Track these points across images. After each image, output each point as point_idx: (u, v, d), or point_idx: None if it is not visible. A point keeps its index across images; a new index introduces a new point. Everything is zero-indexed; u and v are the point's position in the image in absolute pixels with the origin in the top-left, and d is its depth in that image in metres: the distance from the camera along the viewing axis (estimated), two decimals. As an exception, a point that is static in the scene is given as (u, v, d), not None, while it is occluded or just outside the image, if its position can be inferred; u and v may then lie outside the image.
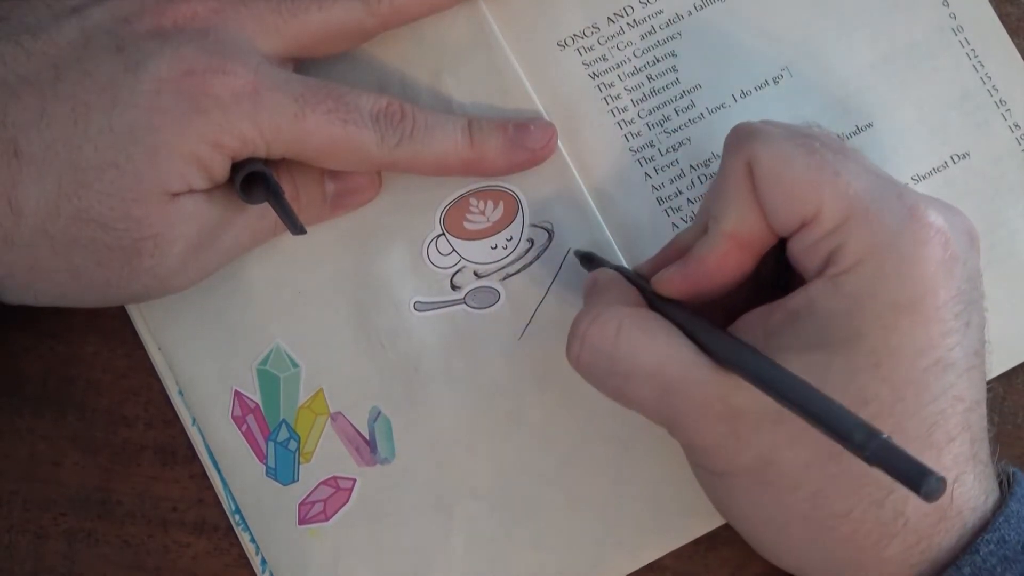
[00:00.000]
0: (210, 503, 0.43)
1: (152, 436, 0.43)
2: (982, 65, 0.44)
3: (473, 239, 0.43)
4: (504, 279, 0.43)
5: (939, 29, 0.44)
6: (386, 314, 0.43)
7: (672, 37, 0.44)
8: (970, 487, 0.35)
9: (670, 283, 0.37)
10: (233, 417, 0.42)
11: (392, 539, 0.42)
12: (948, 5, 0.44)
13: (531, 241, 0.43)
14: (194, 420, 0.42)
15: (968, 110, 0.44)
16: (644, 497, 0.42)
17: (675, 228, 0.43)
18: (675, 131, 0.44)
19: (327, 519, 0.42)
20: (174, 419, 0.43)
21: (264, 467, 0.42)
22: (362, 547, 0.42)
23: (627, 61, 0.44)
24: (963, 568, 0.34)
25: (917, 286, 0.34)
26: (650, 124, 0.44)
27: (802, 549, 0.36)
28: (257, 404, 0.42)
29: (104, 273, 0.37)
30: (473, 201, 0.43)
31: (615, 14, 0.44)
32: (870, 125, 0.44)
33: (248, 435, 0.42)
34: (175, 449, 0.43)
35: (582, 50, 0.44)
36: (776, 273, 0.39)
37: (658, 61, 0.44)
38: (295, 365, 0.42)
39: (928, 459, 0.34)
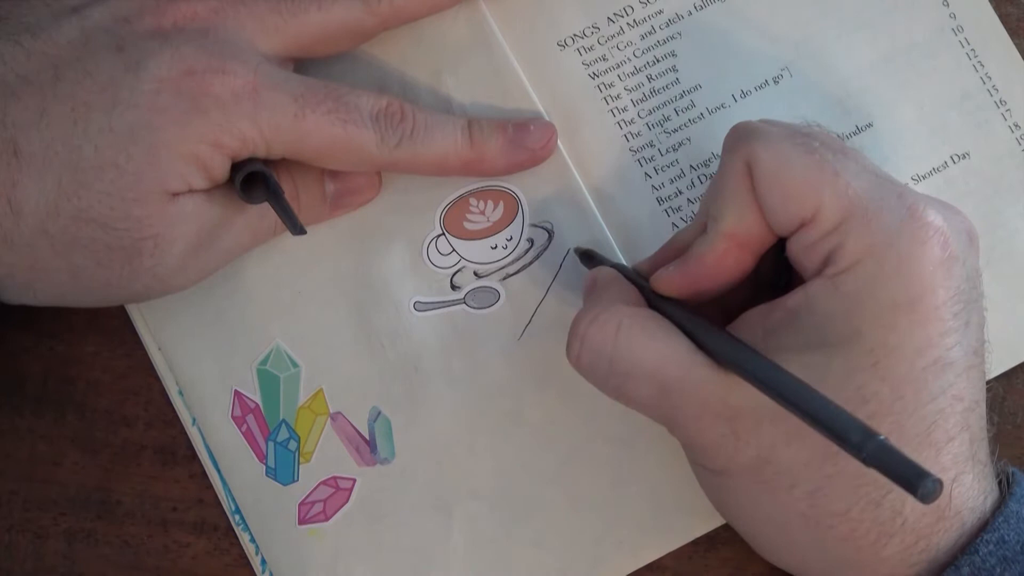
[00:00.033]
0: (210, 503, 0.43)
1: (152, 436, 0.43)
2: (982, 65, 0.44)
3: (473, 239, 0.43)
4: (504, 279, 0.43)
5: (939, 29, 0.44)
6: (386, 314, 0.43)
7: (672, 37, 0.44)
8: (969, 487, 0.35)
9: (669, 282, 0.37)
10: (233, 417, 0.42)
11: (392, 539, 0.42)
12: (948, 5, 0.44)
13: (531, 241, 0.43)
14: (194, 420, 0.42)
15: (968, 110, 0.44)
16: (644, 497, 0.42)
17: (675, 228, 0.43)
18: (675, 131, 0.44)
19: (327, 519, 0.42)
20: (174, 419, 0.43)
21: (264, 467, 0.42)
22: (362, 547, 0.42)
23: (627, 61, 0.44)
24: (962, 568, 0.34)
25: (916, 285, 0.34)
26: (650, 124, 0.44)
27: (800, 548, 0.36)
28: (257, 404, 0.42)
29: (104, 273, 0.37)
30: (473, 201, 0.43)
31: (615, 14, 0.44)
32: (870, 125, 0.44)
33: (248, 435, 0.42)
34: (175, 449, 0.43)
35: (582, 50, 0.44)
36: (775, 272, 0.39)
37: (658, 61, 0.44)
38: (295, 365, 0.42)
39: (927, 458, 0.34)
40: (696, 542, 0.42)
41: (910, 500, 0.34)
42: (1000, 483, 0.37)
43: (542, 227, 0.43)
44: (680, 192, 0.44)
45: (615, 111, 0.44)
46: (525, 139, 0.42)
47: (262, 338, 0.43)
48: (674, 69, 0.44)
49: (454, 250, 0.43)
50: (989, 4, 0.45)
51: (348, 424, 0.42)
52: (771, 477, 0.35)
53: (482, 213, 0.43)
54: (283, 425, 0.42)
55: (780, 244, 0.37)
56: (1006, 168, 0.44)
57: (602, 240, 0.43)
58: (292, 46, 0.40)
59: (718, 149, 0.39)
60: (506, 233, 0.43)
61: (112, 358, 0.43)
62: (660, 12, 0.44)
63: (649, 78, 0.44)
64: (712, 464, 0.36)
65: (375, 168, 0.41)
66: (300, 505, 0.42)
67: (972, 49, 0.44)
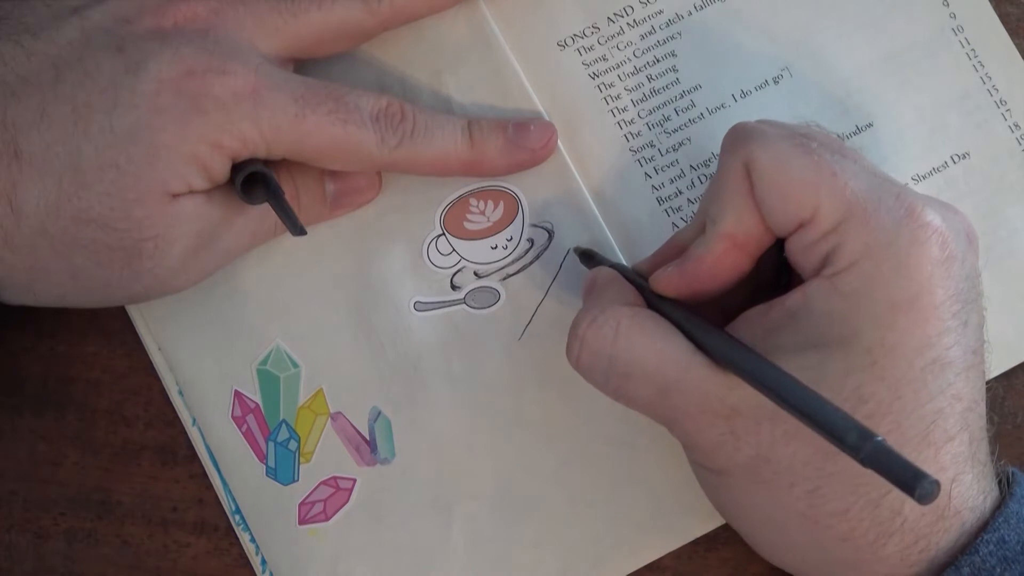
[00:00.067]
0: (210, 503, 0.43)
1: (152, 436, 0.43)
2: (982, 65, 0.44)
3: (473, 239, 0.43)
4: (504, 279, 0.43)
5: (939, 29, 0.44)
6: (386, 314, 0.43)
7: (672, 37, 0.44)
8: (968, 487, 0.35)
9: (668, 282, 0.37)
10: (233, 417, 0.42)
11: (392, 539, 0.42)
12: (948, 5, 0.44)
13: (531, 241, 0.43)
14: (194, 420, 0.42)
15: (968, 110, 0.44)
16: (644, 497, 0.42)
17: (675, 228, 0.43)
18: (675, 131, 0.44)
19: (327, 519, 0.42)
20: (174, 419, 0.43)
21: (264, 467, 0.42)
22: (362, 547, 0.42)
23: (627, 61, 0.44)
24: (962, 568, 0.34)
25: (914, 285, 0.34)
26: (650, 124, 0.44)
27: (800, 548, 0.36)
28: (257, 404, 0.42)
29: (104, 274, 0.37)
30: (473, 201, 0.43)
31: (615, 14, 0.44)
32: (870, 125, 0.44)
33: (248, 435, 0.42)
34: (175, 449, 0.43)
35: (582, 50, 0.44)
36: (775, 272, 0.39)
37: (658, 61, 0.44)
38: (295, 365, 0.42)
39: (926, 458, 0.34)
40: (696, 542, 0.42)
41: (909, 500, 0.34)
42: (1000, 483, 0.37)
43: (542, 227, 0.43)
44: (680, 192, 0.44)
45: (615, 111, 0.44)
46: (525, 139, 0.42)
47: (262, 338, 0.43)
48: (674, 69, 0.44)
49: (454, 250, 0.43)
50: (989, 4, 0.45)
51: (348, 424, 0.42)
52: (770, 476, 0.35)
53: (482, 213, 0.43)
54: (283, 425, 0.42)
55: (779, 244, 0.37)
56: (1006, 168, 0.44)
57: (602, 240, 0.43)
58: (292, 46, 0.40)
59: (718, 149, 0.39)
60: (506, 233, 0.43)
61: (112, 358, 0.43)
62: (660, 12, 0.44)
63: (649, 78, 0.44)
64: (711, 464, 0.36)
65: (375, 168, 0.41)
66: (300, 505, 0.42)
67: (972, 49, 0.44)
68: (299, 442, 0.42)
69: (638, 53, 0.44)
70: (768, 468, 0.35)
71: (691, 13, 0.44)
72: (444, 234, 0.43)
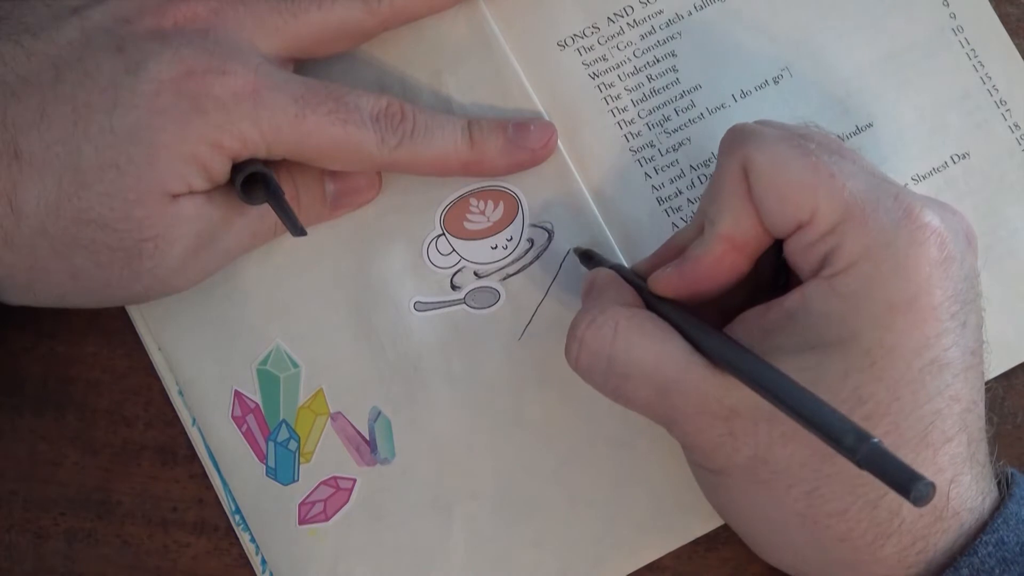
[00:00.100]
0: (210, 503, 0.43)
1: (152, 436, 0.43)
2: (982, 65, 0.44)
3: (473, 239, 0.43)
4: (504, 279, 0.43)
5: (939, 29, 0.44)
6: (386, 314, 0.43)
7: (672, 37, 0.44)
8: (967, 488, 0.35)
9: (666, 283, 0.37)
10: (233, 417, 0.42)
11: (392, 539, 0.42)
12: (948, 5, 0.44)
13: (531, 241, 0.43)
14: (194, 420, 0.42)
15: (968, 110, 0.44)
16: (644, 497, 0.42)
17: (675, 228, 0.43)
18: (675, 131, 0.44)
19: (327, 519, 0.42)
20: (174, 419, 0.43)
21: (264, 467, 0.42)
22: (362, 547, 0.42)
23: (627, 61, 0.44)
24: (961, 570, 0.34)
25: (912, 286, 0.34)
26: (650, 124, 0.44)
27: (798, 548, 0.36)
28: (257, 404, 0.42)
29: (104, 274, 0.37)
30: (473, 201, 0.43)
31: (615, 14, 0.44)
32: (870, 125, 0.44)
33: (248, 435, 0.42)
34: (175, 449, 0.43)
35: (582, 50, 0.44)
36: (774, 273, 0.39)
37: (658, 61, 0.44)
38: (295, 365, 0.42)
39: (924, 459, 0.34)
40: (696, 542, 0.42)
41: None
42: (999, 484, 0.37)
43: (542, 227, 0.43)
44: (680, 192, 0.44)
45: (615, 111, 0.44)
46: (525, 139, 0.42)
47: (262, 338, 0.43)
48: (674, 69, 0.44)
49: (454, 250, 0.43)
50: (989, 4, 0.45)
51: (348, 424, 0.42)
52: (768, 477, 0.35)
53: (482, 213, 0.43)
54: (283, 425, 0.42)
55: (778, 245, 0.37)
56: (1006, 168, 0.44)
57: (602, 240, 0.43)
58: (292, 46, 0.40)
59: (718, 149, 0.39)
60: (506, 233, 0.43)
61: (112, 358, 0.43)
62: (660, 12, 0.44)
63: (649, 78, 0.44)
64: (710, 464, 0.36)
65: (375, 168, 0.41)
66: (300, 505, 0.42)
67: (972, 49, 0.44)
68: (299, 442, 0.42)
69: (638, 53, 0.44)
70: (766, 469, 0.35)
71: (691, 13, 0.44)
72: (444, 234, 0.43)
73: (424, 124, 0.40)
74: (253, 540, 0.42)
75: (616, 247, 0.43)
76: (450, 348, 0.42)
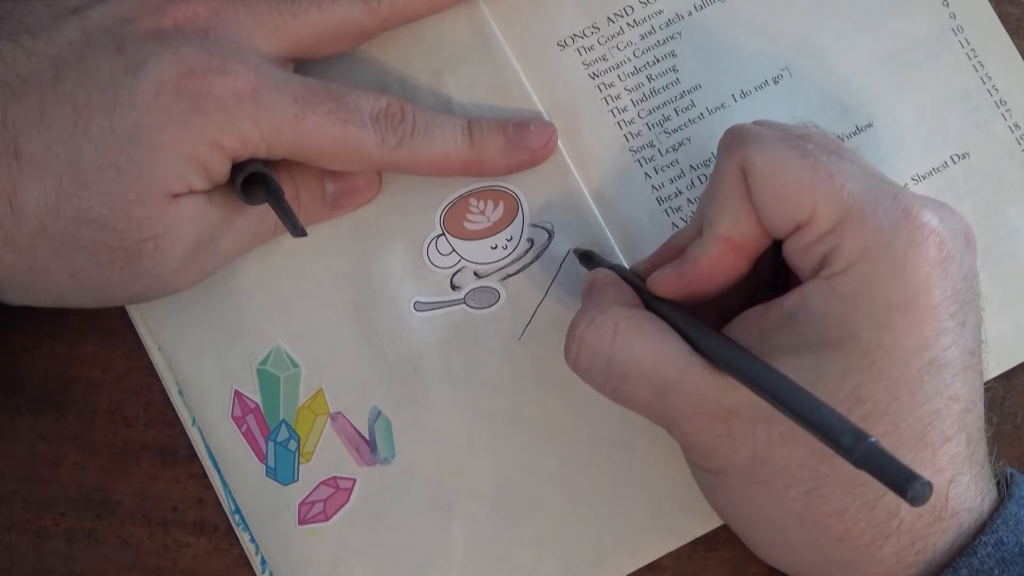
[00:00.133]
0: (210, 503, 0.43)
1: (152, 436, 0.43)
2: (982, 65, 0.44)
3: (473, 239, 0.43)
4: (504, 279, 0.43)
5: (939, 29, 0.44)
6: (386, 314, 0.43)
7: (672, 37, 0.44)
8: (966, 488, 0.35)
9: (666, 284, 0.37)
10: (233, 417, 0.42)
11: (392, 539, 0.42)
12: (948, 5, 0.44)
13: (531, 241, 0.43)
14: (194, 420, 0.42)
15: (968, 110, 0.44)
16: (644, 497, 0.42)
17: (675, 228, 0.43)
18: (675, 131, 0.44)
19: (327, 519, 0.42)
20: (174, 419, 0.43)
21: (264, 467, 0.42)
22: (362, 547, 0.42)
23: (627, 61, 0.44)
24: (960, 570, 0.34)
25: (911, 286, 0.34)
26: (650, 124, 0.44)
27: (797, 548, 0.36)
28: (257, 404, 0.42)
29: (104, 274, 0.37)
30: (473, 201, 0.43)
31: (615, 14, 0.44)
32: (870, 125, 0.44)
33: (248, 435, 0.42)
34: (175, 449, 0.43)
35: (582, 50, 0.44)
36: (773, 273, 0.39)
37: (658, 61, 0.44)
38: (295, 365, 0.42)
39: (923, 459, 0.34)
40: (696, 542, 0.42)
41: (906, 501, 0.34)
42: (998, 484, 0.37)
43: (542, 227, 0.43)
44: (680, 192, 0.44)
45: (615, 111, 0.44)
46: (525, 139, 0.42)
47: (262, 338, 0.43)
48: (674, 69, 0.44)
49: (454, 250, 0.43)
50: (989, 4, 0.45)
51: (348, 424, 0.42)
52: (767, 477, 0.35)
53: (482, 213, 0.43)
54: (283, 425, 0.42)
55: (777, 245, 0.37)
56: (1006, 168, 0.44)
57: (602, 240, 0.43)
58: (292, 46, 0.40)
59: (716, 150, 0.39)
60: (506, 233, 0.43)
61: (112, 358, 0.43)
62: (660, 12, 0.44)
63: (649, 78, 0.44)
64: (709, 465, 0.36)
65: (375, 168, 0.41)
66: (300, 505, 0.42)
67: (972, 49, 0.44)
68: (299, 442, 0.42)
69: (638, 53, 0.44)
70: (765, 469, 0.35)
71: (691, 13, 0.44)
72: (444, 234, 0.43)
73: (424, 124, 0.40)
74: (253, 540, 0.42)
75: (616, 247, 0.43)
76: (450, 348, 0.42)
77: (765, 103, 0.44)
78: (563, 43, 0.44)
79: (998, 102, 0.44)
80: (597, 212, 0.43)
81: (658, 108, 0.44)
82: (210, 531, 0.43)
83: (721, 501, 0.38)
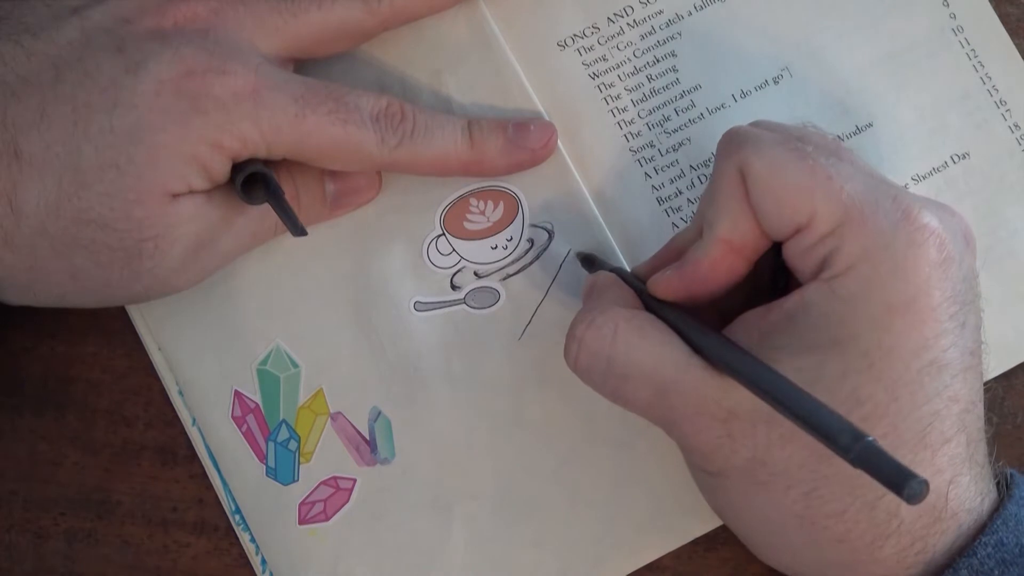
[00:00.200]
0: (210, 503, 0.43)
1: (152, 436, 0.43)
2: (982, 65, 0.44)
3: (473, 239, 0.43)
4: (504, 279, 0.43)
5: (939, 29, 0.44)
6: (386, 314, 0.43)
7: (672, 37, 0.44)
8: (966, 489, 0.35)
9: (666, 286, 0.37)
10: (233, 417, 0.42)
11: (392, 539, 0.42)
12: (948, 5, 0.44)
13: (531, 241, 0.43)
14: (194, 420, 0.42)
15: (968, 110, 0.44)
16: (644, 497, 0.42)
17: (675, 228, 0.43)
18: (675, 131, 0.44)
19: (327, 519, 0.42)
20: (174, 419, 0.43)
21: (264, 467, 0.42)
22: (362, 547, 0.42)
23: (627, 61, 0.44)
24: (960, 571, 0.34)
25: (911, 287, 0.34)
26: (650, 124, 0.44)
27: (796, 549, 0.36)
28: (257, 404, 0.42)
29: (104, 274, 0.37)
30: (473, 201, 0.43)
31: (615, 14, 0.44)
32: (870, 125, 0.44)
33: (248, 435, 0.42)
34: (175, 449, 0.43)
35: (582, 50, 0.44)
36: (772, 274, 0.39)
37: (658, 61, 0.44)
38: (295, 365, 0.42)
39: (922, 460, 0.34)
40: (696, 542, 0.42)
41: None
42: (998, 485, 0.37)
43: (542, 227, 0.43)
44: (680, 192, 0.44)
45: (615, 111, 0.44)
46: (525, 139, 0.42)
47: (262, 338, 0.43)
48: (674, 69, 0.44)
49: (454, 250, 0.43)
50: (989, 4, 0.45)
51: (348, 424, 0.42)
52: (767, 479, 0.35)
53: (482, 213, 0.43)
54: (283, 425, 0.42)
55: (777, 247, 0.37)
56: (1006, 168, 0.44)
57: (602, 240, 0.43)
58: (292, 46, 0.40)
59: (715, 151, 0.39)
60: (506, 233, 0.43)
61: (112, 358, 0.43)
62: (660, 12, 0.44)
63: (649, 78, 0.44)
64: (709, 466, 0.36)
65: (375, 168, 0.41)
66: (300, 505, 0.42)
67: (972, 49, 0.44)
68: (299, 442, 0.42)
69: (638, 53, 0.44)
70: (764, 471, 0.35)
71: (691, 13, 0.44)
72: (444, 234, 0.43)
73: (424, 124, 0.40)
74: (253, 540, 0.42)
75: (616, 247, 0.43)
76: (450, 348, 0.42)
77: (765, 103, 0.44)
78: (563, 43, 0.44)
79: (998, 102, 0.44)
80: (597, 212, 0.43)
81: (658, 108, 0.44)
82: (210, 531, 0.43)
83: (721, 502, 0.38)
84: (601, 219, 0.43)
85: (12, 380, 0.43)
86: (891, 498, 0.34)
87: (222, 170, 0.37)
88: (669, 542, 0.42)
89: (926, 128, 0.44)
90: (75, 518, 0.43)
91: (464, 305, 0.43)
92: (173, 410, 0.43)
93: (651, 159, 0.44)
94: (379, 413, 0.42)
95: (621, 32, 0.44)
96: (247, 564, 0.42)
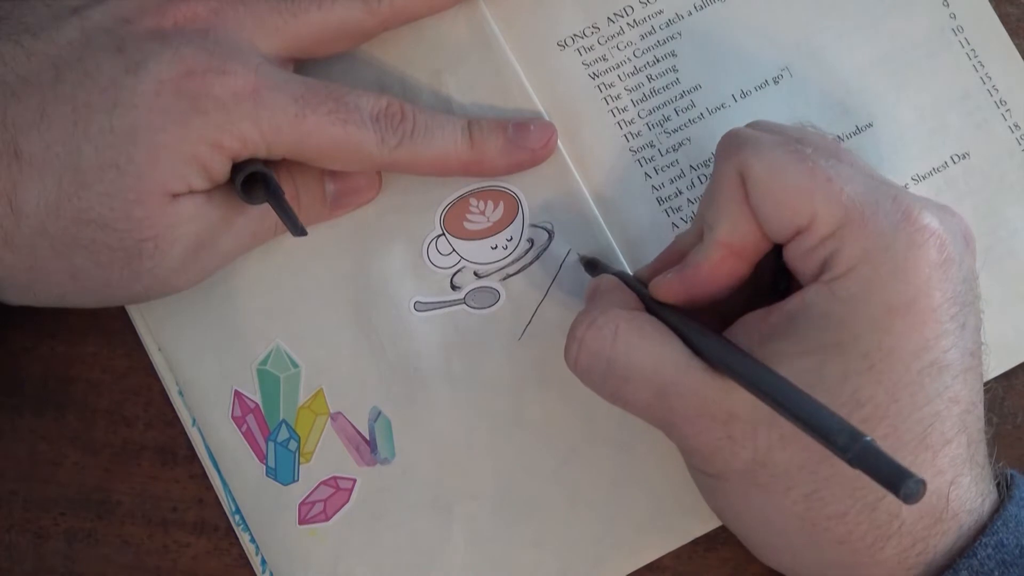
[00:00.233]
0: (210, 503, 0.43)
1: (152, 436, 0.43)
2: (982, 65, 0.44)
3: (473, 239, 0.43)
4: (504, 279, 0.43)
5: (939, 29, 0.44)
6: (386, 314, 0.43)
7: (672, 37, 0.44)
8: (967, 489, 0.35)
9: (667, 289, 0.37)
10: (233, 417, 0.42)
11: (392, 539, 0.42)
12: (948, 5, 0.44)
13: (531, 241, 0.43)
14: (194, 420, 0.42)
15: (968, 110, 0.44)
16: (644, 497, 0.42)
17: (675, 228, 0.43)
18: (675, 131, 0.44)
19: (327, 519, 0.42)
20: (174, 419, 0.43)
21: (264, 467, 0.42)
22: (362, 547, 0.42)
23: (627, 61, 0.44)
24: (960, 572, 0.34)
25: (911, 288, 0.34)
26: (650, 124, 0.44)
27: (797, 551, 0.36)
28: (257, 404, 0.42)
29: (104, 274, 0.37)
30: (473, 201, 0.43)
31: (615, 14, 0.44)
32: (870, 125, 0.44)
33: (248, 435, 0.42)
34: (175, 449, 0.43)
35: (582, 50, 0.44)
36: (773, 276, 0.39)
37: (658, 61, 0.44)
38: (295, 365, 0.42)
39: (923, 461, 0.34)
40: (696, 542, 0.42)
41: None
42: (999, 486, 0.37)
43: (542, 227, 0.43)
44: (680, 192, 0.44)
45: (615, 111, 0.44)
46: (525, 139, 0.42)
47: (262, 338, 0.43)
48: (674, 69, 0.44)
49: (454, 250, 0.43)
50: (989, 4, 0.45)
51: (348, 424, 0.42)
52: (767, 480, 0.35)
53: (482, 213, 0.43)
54: (283, 425, 0.42)
55: (778, 249, 0.37)
56: (1006, 168, 0.44)
57: (602, 240, 0.43)
58: (292, 46, 0.40)
59: (715, 153, 0.39)
60: (506, 233, 0.43)
61: (112, 358, 0.43)
62: (660, 12, 0.44)
63: (649, 78, 0.44)
64: (709, 468, 0.36)
65: (375, 168, 0.41)
66: (300, 505, 0.42)
67: (972, 49, 0.44)
68: (299, 442, 0.42)
69: (638, 53, 0.44)
70: (765, 472, 0.35)
71: (691, 13, 0.44)
72: (444, 234, 0.43)
73: (424, 124, 0.40)
74: (253, 540, 0.42)
75: (616, 247, 0.43)
76: (450, 348, 0.42)
77: (765, 103, 0.44)
78: (563, 43, 0.44)
79: (998, 102, 0.44)
80: (597, 212, 0.43)
81: (658, 108, 0.44)
82: (210, 531, 0.43)
83: (721, 504, 0.38)
84: (601, 219, 0.43)
85: (12, 380, 0.43)
86: (892, 499, 0.34)
87: (222, 170, 0.37)
88: (669, 542, 0.42)
89: (926, 128, 0.44)
90: (75, 518, 0.43)
91: (464, 305, 0.43)
92: (173, 410, 0.43)
93: (651, 159, 0.44)
94: (379, 413, 0.42)
95: (621, 32, 0.44)
96: (247, 564, 0.42)
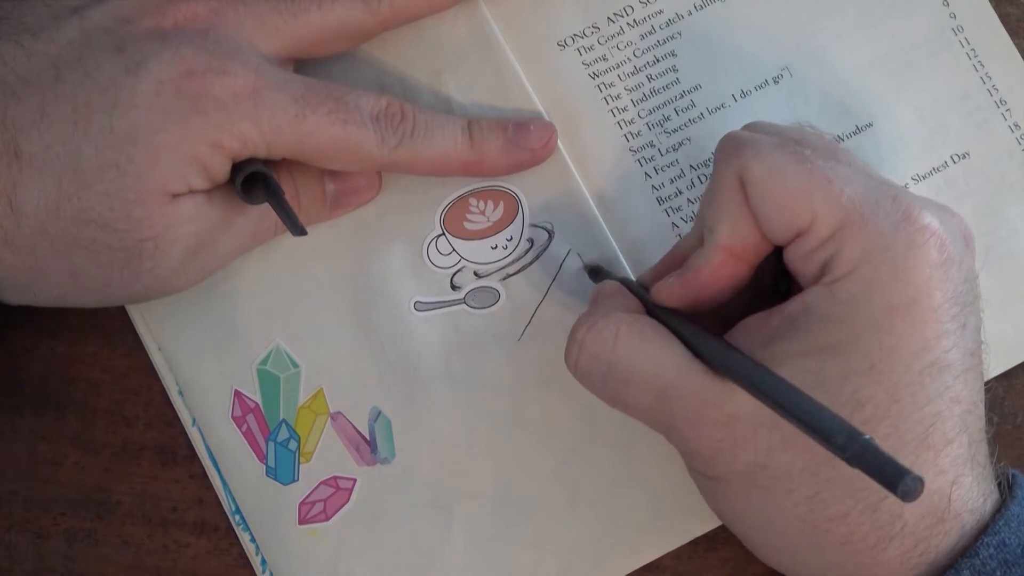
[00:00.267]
0: (210, 503, 0.43)
1: (152, 436, 0.43)
2: (982, 65, 0.44)
3: (473, 239, 0.43)
4: (504, 279, 0.43)
5: (939, 29, 0.44)
6: (386, 314, 0.43)
7: (672, 37, 0.44)
8: (968, 489, 0.35)
9: (669, 293, 0.37)
10: (233, 417, 0.42)
11: (392, 539, 0.42)
12: (948, 5, 0.44)
13: (531, 241, 0.43)
14: (194, 420, 0.42)
15: (968, 110, 0.44)
16: (644, 497, 0.42)
17: (675, 228, 0.43)
18: (675, 131, 0.44)
19: (327, 519, 0.42)
20: (174, 419, 0.43)
21: (264, 467, 0.42)
22: (362, 547, 0.42)
23: (627, 61, 0.44)
24: (962, 572, 0.34)
25: (912, 289, 0.34)
26: (650, 124, 0.44)
27: (799, 552, 0.36)
28: (257, 404, 0.42)
29: (104, 274, 0.37)
30: (473, 201, 0.43)
31: (615, 14, 0.44)
32: (870, 125, 0.44)
33: (248, 435, 0.42)
34: (175, 449, 0.43)
35: (582, 50, 0.44)
36: (774, 278, 0.39)
37: (658, 61, 0.44)
38: (295, 365, 0.42)
39: (924, 461, 0.34)
40: (696, 542, 0.42)
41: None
42: (1000, 485, 0.37)
43: (542, 227, 0.43)
44: (680, 192, 0.44)
45: (615, 111, 0.44)
46: (525, 139, 0.42)
47: (262, 338, 0.43)
48: (674, 69, 0.44)
49: (454, 250, 0.43)
50: (989, 4, 0.45)
51: (348, 424, 0.42)
52: (769, 482, 0.35)
53: (482, 213, 0.43)
54: (283, 425, 0.42)
55: (779, 251, 0.37)
56: (1006, 168, 0.44)
57: (602, 240, 0.43)
58: (292, 46, 0.40)
59: (714, 156, 0.39)
60: (506, 233, 0.43)
61: (112, 358, 0.43)
62: (660, 12, 0.44)
63: (649, 78, 0.44)
64: (710, 471, 0.36)
65: (375, 168, 0.41)
66: (300, 505, 0.42)
67: (972, 49, 0.44)
68: (299, 442, 0.42)
69: (638, 53, 0.44)
70: (766, 474, 0.35)
71: (691, 13, 0.44)
72: (444, 234, 0.43)
73: (424, 124, 0.40)
74: (253, 540, 0.42)
75: (616, 247, 0.43)
76: (450, 348, 0.42)
77: (765, 103, 0.44)
78: (563, 43, 0.44)
79: (998, 102, 0.44)
80: (597, 212, 0.43)
81: (658, 108, 0.44)
82: (210, 531, 0.43)
83: (722, 507, 0.38)
84: (601, 219, 0.43)
85: (12, 380, 0.43)
86: (894, 500, 0.34)
87: (222, 170, 0.37)
88: (669, 542, 0.42)
89: (926, 128, 0.44)
90: (75, 518, 0.43)
91: (464, 305, 0.43)
92: (173, 410, 0.43)
93: (651, 159, 0.44)
94: (379, 413, 0.42)
95: (621, 32, 0.44)
96: (247, 564, 0.42)
